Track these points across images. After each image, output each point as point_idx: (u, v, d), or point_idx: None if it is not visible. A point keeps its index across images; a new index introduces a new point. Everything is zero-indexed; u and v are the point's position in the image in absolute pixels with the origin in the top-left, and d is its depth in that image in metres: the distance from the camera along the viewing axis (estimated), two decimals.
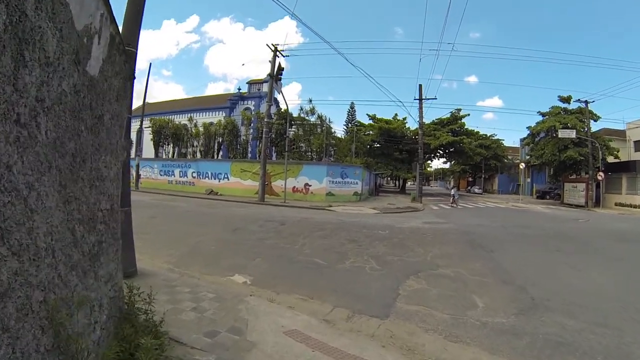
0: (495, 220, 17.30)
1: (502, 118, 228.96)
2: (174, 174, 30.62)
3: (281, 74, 21.68)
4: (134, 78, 5.74)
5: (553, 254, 9.15)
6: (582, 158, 32.44)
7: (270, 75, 22.13)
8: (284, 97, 23.87)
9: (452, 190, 31.02)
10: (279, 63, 21.96)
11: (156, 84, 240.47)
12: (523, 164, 37.61)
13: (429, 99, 29.53)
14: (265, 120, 23.67)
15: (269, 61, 22.31)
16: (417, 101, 29.53)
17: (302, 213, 16.88)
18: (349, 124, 57.15)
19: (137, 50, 5.90)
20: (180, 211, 15.86)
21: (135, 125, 32.26)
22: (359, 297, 5.39)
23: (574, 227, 15.52)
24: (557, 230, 14.04)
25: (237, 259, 7.36)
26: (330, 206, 20.30)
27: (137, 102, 31.28)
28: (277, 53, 22.30)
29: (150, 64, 32.08)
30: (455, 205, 26.48)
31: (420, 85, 30.69)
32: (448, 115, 45.65)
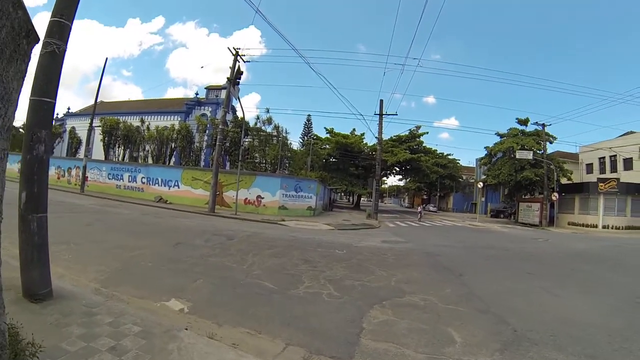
0: (456, 239, 17.08)
1: (458, 138, 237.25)
2: (122, 178, 28.92)
3: (239, 78, 21.24)
4: (65, 51, 4.91)
5: (525, 277, 8.76)
6: (537, 179, 33.96)
7: (228, 79, 21.39)
8: (240, 103, 23.01)
9: (419, 207, 38.19)
10: (239, 67, 21.45)
11: (115, 84, 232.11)
12: (481, 183, 38.59)
13: (389, 114, 29.67)
14: (220, 127, 22.97)
15: (229, 67, 21.67)
16: (377, 116, 29.56)
17: (252, 227, 15.92)
18: (306, 137, 57.27)
19: (72, 23, 4.94)
20: (121, 219, 14.47)
21: (85, 123, 30.56)
22: (316, 331, 4.56)
23: (536, 247, 15.63)
24: (521, 250, 14.06)
25: (176, 279, 6.35)
26: (283, 220, 19.53)
27: (90, 100, 29.99)
28: (238, 57, 21.73)
29: (107, 58, 30.59)
30: (421, 221, 29.14)
31: (381, 101, 31.87)
32: (407, 133, 46.31)
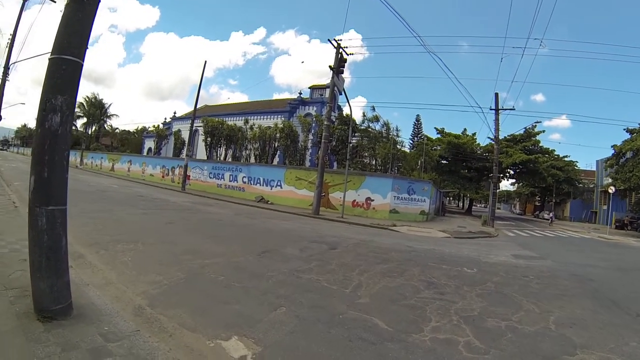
0: (598, 257, 14.02)
1: (572, 138, 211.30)
2: (223, 178, 29.80)
3: (343, 66, 20.47)
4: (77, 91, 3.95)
5: None
6: None
7: (331, 67, 20.37)
8: (345, 94, 21.85)
9: (550, 214, 41.95)
10: (341, 55, 20.40)
11: (222, 92, 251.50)
12: (612, 187, 32.45)
13: (506, 109, 27.65)
14: (326, 123, 21.96)
15: (330, 67, 20.55)
16: (493, 112, 27.50)
17: (360, 233, 14.24)
18: (415, 138, 56.71)
19: (83, 61, 3.93)
20: (209, 219, 13.83)
21: (188, 124, 32.22)
22: None
23: None
24: None
25: (249, 305, 4.84)
26: (394, 225, 17.97)
27: (193, 104, 31.37)
28: (340, 49, 20.59)
29: (205, 61, 31.52)
30: (548, 231, 27.75)
31: (496, 94, 28.99)
32: (521, 132, 43.15)
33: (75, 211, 11.70)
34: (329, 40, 20.57)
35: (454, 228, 21.27)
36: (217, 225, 12.48)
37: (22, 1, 21.62)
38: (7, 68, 22.17)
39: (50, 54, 3.76)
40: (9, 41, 22.18)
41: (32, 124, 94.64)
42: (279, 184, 26.23)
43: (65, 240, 3.75)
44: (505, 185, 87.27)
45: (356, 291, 5.88)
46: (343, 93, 22.28)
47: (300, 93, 46.11)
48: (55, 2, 23.40)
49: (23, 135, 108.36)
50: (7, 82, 21.80)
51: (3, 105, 21.60)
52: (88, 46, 4.02)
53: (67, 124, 3.70)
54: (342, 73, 20.68)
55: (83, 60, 3.90)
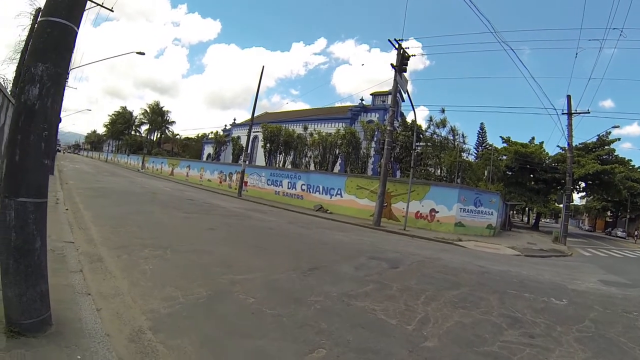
0: None
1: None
2: (281, 185, 29.60)
3: (406, 64, 19.86)
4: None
5: None
6: None
7: (393, 65, 19.68)
8: (409, 95, 21.33)
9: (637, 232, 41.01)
10: (404, 53, 19.81)
11: (284, 102, 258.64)
12: None
13: (579, 113, 25.67)
14: (388, 129, 21.25)
15: (392, 65, 19.86)
16: (565, 116, 25.76)
17: (424, 248, 13.12)
18: (480, 147, 55.52)
19: (76, 27, 3.41)
20: (257, 227, 13.19)
21: (247, 131, 32.49)
22: None
23: None
24: None
25: (276, 341, 3.92)
26: (460, 240, 16.96)
27: (253, 110, 31.62)
28: (402, 49, 19.94)
29: (263, 67, 31.58)
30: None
31: (569, 96, 26.63)
32: (594, 139, 40.60)
33: (114, 211, 11.73)
34: (389, 40, 20.07)
35: (523, 245, 20.33)
36: (264, 234, 11.82)
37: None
38: (67, 73, 23.45)
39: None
40: None
41: (100, 129, 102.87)
42: (339, 192, 25.60)
43: (42, 242, 3.18)
44: (574, 198, 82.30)
45: (421, 328, 4.76)
46: (406, 94, 21.54)
47: (361, 99, 45.92)
48: (112, 10, 24.66)
49: (92, 140, 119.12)
50: (66, 86, 23.35)
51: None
52: (84, 10, 3.53)
53: (47, 97, 3.13)
54: (405, 72, 20.04)
55: (77, 26, 3.35)
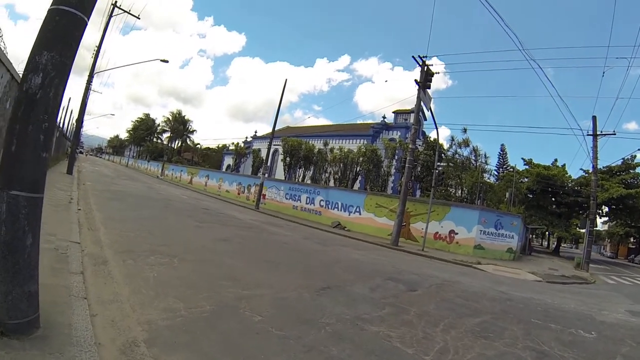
0: None
1: None
2: (300, 199, 29.45)
3: (430, 81, 19.97)
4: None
5: None
6: None
7: (416, 81, 19.74)
8: (432, 113, 21.43)
9: None
10: (427, 69, 19.91)
11: (305, 117, 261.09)
12: None
13: (605, 134, 25.10)
14: (410, 147, 21.14)
15: (415, 81, 19.89)
16: (590, 137, 25.15)
17: (443, 271, 12.76)
18: (500, 169, 55.84)
19: (87, 17, 3.34)
20: (270, 240, 12.97)
21: (266, 143, 32.61)
22: None
23: None
24: None
25: None
26: (479, 263, 16.70)
27: (274, 122, 31.73)
28: (425, 66, 20.03)
29: (286, 80, 31.61)
30: None
31: (594, 117, 26.16)
32: (619, 163, 40.53)
33: (127, 215, 11.73)
34: (413, 57, 20.09)
35: (544, 270, 19.92)
36: (277, 249, 11.56)
37: (107, 17, 24.10)
38: (91, 76, 25.25)
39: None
40: (95, 51, 25.11)
41: (122, 134, 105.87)
42: (357, 210, 25.34)
43: (33, 240, 3.01)
44: (597, 223, 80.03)
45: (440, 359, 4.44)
46: (429, 111, 21.54)
47: (384, 117, 46.19)
48: (139, 18, 25.38)
49: (114, 145, 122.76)
50: (91, 90, 24.38)
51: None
52: (96, 1, 3.38)
53: (50, 87, 3.02)
54: (429, 88, 20.15)
55: (87, 17, 3.25)
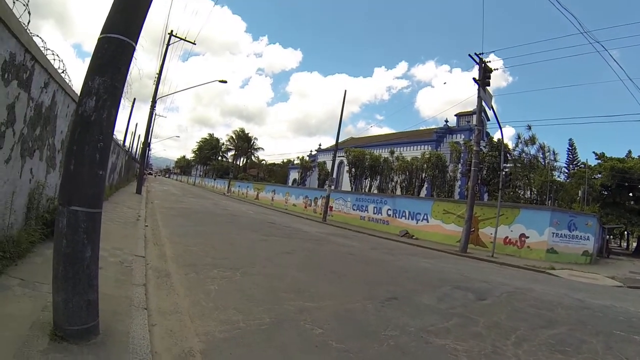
0: None
1: None
2: (367, 210, 29.55)
3: (489, 77, 19.56)
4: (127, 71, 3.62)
5: None
6: None
7: (475, 79, 19.38)
8: (494, 110, 20.56)
9: None
10: (486, 66, 19.55)
11: (368, 126, 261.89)
12: None
13: None
14: (475, 149, 20.69)
15: (474, 79, 19.60)
16: None
17: (514, 278, 12.16)
18: (570, 166, 52.23)
19: (134, 42, 3.58)
20: (336, 252, 12.93)
21: (331, 156, 32.97)
22: None
23: None
24: None
25: None
26: (553, 269, 15.68)
27: (338, 134, 31.97)
28: (483, 63, 19.67)
29: (345, 91, 31.94)
30: None
31: None
32: None
33: (192, 230, 12.17)
34: (469, 55, 19.74)
35: (624, 274, 18.59)
36: (343, 260, 11.47)
37: (165, 46, 26.20)
38: (154, 101, 27.72)
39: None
40: (156, 78, 27.60)
41: (189, 155, 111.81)
42: (425, 217, 24.94)
43: (92, 253, 3.21)
44: None
45: None
46: (491, 110, 20.88)
47: (446, 121, 45.88)
48: (195, 44, 27.09)
49: (181, 165, 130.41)
50: (155, 115, 27.00)
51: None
52: (142, 27, 3.63)
53: (103, 109, 3.24)
54: (488, 85, 19.75)
55: (135, 42, 3.48)
